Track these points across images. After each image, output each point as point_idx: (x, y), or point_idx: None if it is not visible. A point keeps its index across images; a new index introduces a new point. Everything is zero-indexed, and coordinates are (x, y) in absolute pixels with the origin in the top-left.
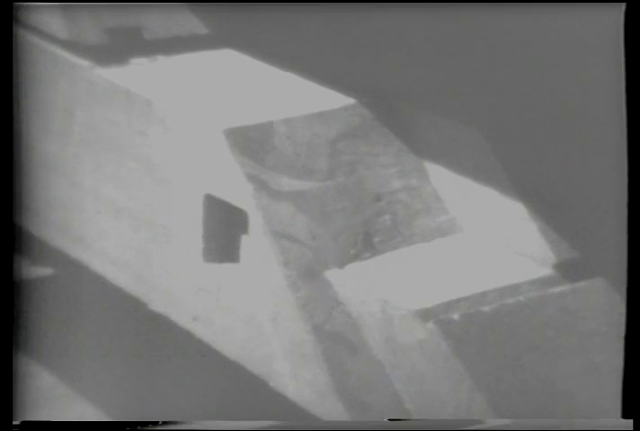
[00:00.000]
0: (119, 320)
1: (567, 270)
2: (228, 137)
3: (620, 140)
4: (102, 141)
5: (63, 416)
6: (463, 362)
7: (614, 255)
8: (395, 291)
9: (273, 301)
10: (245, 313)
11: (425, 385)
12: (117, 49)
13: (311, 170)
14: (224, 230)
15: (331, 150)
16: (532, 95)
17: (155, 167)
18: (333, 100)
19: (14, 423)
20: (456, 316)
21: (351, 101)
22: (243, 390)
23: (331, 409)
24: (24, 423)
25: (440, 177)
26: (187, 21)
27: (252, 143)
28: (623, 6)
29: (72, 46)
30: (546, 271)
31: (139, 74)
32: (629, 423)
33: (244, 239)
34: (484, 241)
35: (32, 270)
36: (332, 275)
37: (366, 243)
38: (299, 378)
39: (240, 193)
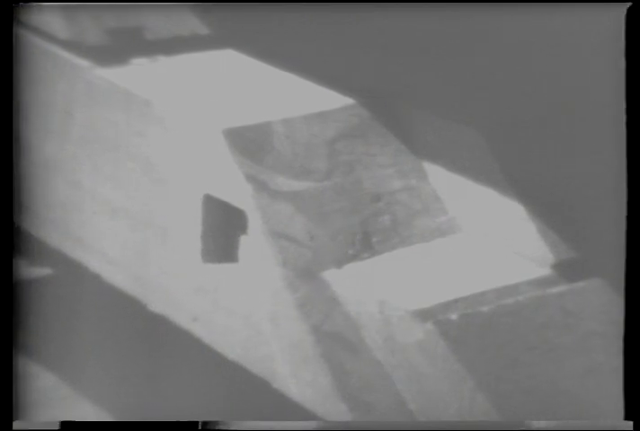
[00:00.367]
0: (118, 320)
1: (566, 270)
2: (227, 137)
3: (619, 141)
4: (100, 141)
5: (63, 416)
6: (462, 362)
7: (612, 255)
8: (394, 291)
9: (272, 301)
10: (244, 313)
11: (426, 385)
12: (117, 50)
13: (309, 170)
14: (222, 230)
15: (329, 150)
16: (532, 95)
17: (153, 167)
18: (332, 100)
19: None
20: (454, 316)
21: (349, 101)
22: (243, 389)
23: (333, 409)
24: (64, 423)
25: (439, 177)
26: (187, 21)
27: (250, 143)
28: (624, 6)
29: (72, 46)
30: (545, 271)
31: (139, 74)
32: (629, 424)
33: (243, 239)
34: (482, 242)
35: (31, 270)
36: (330, 275)
37: (364, 244)
38: (300, 378)
39: (239, 193)
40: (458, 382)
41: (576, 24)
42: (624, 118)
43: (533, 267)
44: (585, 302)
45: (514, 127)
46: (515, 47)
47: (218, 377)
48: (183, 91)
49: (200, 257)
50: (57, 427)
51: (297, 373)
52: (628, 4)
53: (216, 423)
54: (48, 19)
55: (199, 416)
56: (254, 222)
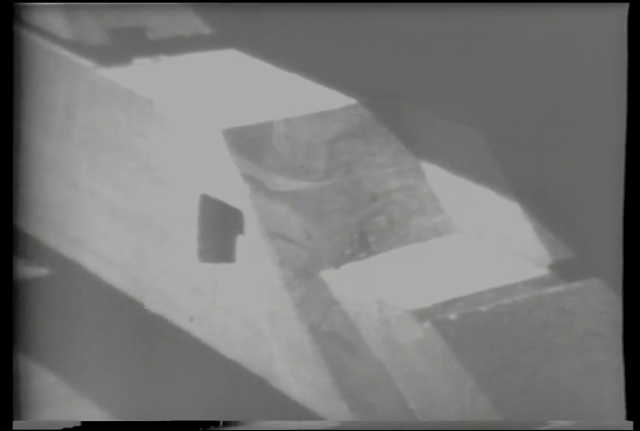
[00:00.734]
0: (115, 320)
1: (564, 270)
2: (227, 137)
3: (619, 141)
4: (100, 141)
5: (62, 416)
6: (461, 362)
7: (610, 255)
8: (392, 291)
9: (269, 301)
10: (242, 313)
11: (426, 385)
12: (119, 50)
13: (308, 170)
14: (220, 230)
15: (329, 150)
16: (532, 95)
17: (153, 167)
18: (333, 100)
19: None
20: (453, 316)
21: (351, 101)
22: (244, 390)
23: (333, 408)
24: (85, 424)
25: (437, 177)
26: (189, 21)
27: (250, 143)
28: (626, 6)
29: (74, 46)
30: (543, 271)
31: (141, 74)
32: (629, 424)
33: (240, 239)
34: (480, 242)
35: (29, 271)
36: (327, 275)
37: (362, 243)
38: (299, 378)
39: (236, 193)
40: (457, 382)
41: (578, 24)
42: (624, 118)
43: (531, 267)
44: (583, 301)
45: (515, 127)
46: (516, 47)
47: (217, 377)
48: (185, 91)
49: (198, 257)
50: (56, 427)
51: (296, 373)
52: (629, 4)
53: (236, 423)
54: (49, 19)
55: (198, 416)
56: (252, 222)
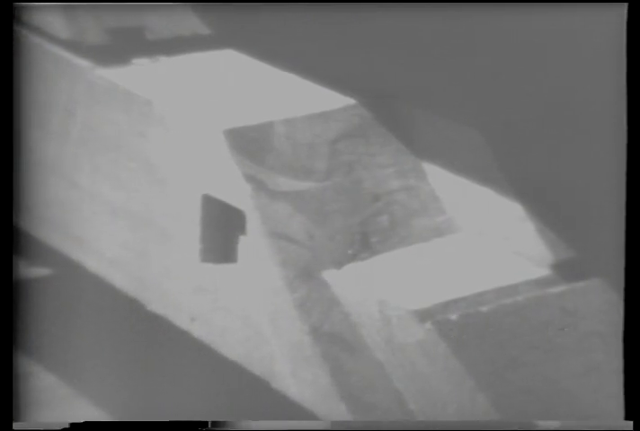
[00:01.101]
0: (117, 320)
1: (565, 270)
2: (228, 138)
3: (619, 141)
4: (100, 141)
5: (62, 416)
6: (462, 362)
7: (612, 255)
8: (393, 291)
9: (271, 301)
10: (243, 313)
11: (426, 385)
12: (118, 50)
13: (309, 170)
14: (221, 230)
15: (330, 150)
16: (532, 95)
17: (153, 167)
18: (333, 100)
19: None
20: (454, 316)
21: (350, 101)
22: (244, 390)
23: (333, 409)
24: (73, 425)
25: (438, 177)
26: (188, 21)
27: (252, 143)
28: (625, 6)
29: (73, 46)
30: (544, 271)
31: (140, 74)
32: (629, 424)
33: (242, 239)
34: (481, 242)
35: (30, 271)
36: (329, 275)
37: (363, 243)
38: (300, 378)
39: (238, 193)
40: (458, 382)
41: (577, 24)
42: (624, 118)
43: (532, 267)
44: (585, 302)
45: (514, 127)
46: (515, 47)
47: (218, 377)
48: (184, 91)
49: (200, 257)
50: (56, 428)
51: (296, 373)
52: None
53: (223, 423)
54: (48, 19)
55: (198, 416)
56: (253, 222)
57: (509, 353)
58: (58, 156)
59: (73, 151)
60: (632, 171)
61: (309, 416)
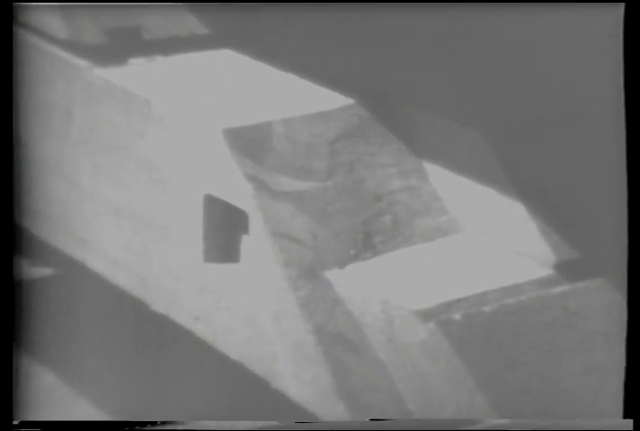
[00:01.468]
0: (119, 320)
1: (568, 270)
2: (227, 137)
3: (620, 140)
4: (100, 141)
5: (63, 416)
6: (464, 362)
7: (614, 255)
8: (396, 291)
9: (274, 301)
10: (246, 314)
11: (426, 385)
12: (116, 50)
13: (311, 170)
14: (224, 230)
15: (330, 150)
16: (531, 95)
17: (154, 167)
18: (332, 100)
19: (14, 422)
20: (457, 316)
21: (349, 101)
22: (244, 390)
23: (333, 409)
24: (23, 423)
25: (440, 177)
26: (186, 21)
27: (251, 143)
28: (622, 6)
29: (71, 46)
30: (547, 271)
31: (138, 74)
32: (629, 423)
33: (245, 239)
34: (484, 242)
35: (32, 271)
36: (332, 275)
37: (366, 243)
38: (301, 378)
39: (240, 193)
40: (461, 382)
41: (575, 24)
42: (624, 117)
43: (535, 266)
44: (588, 301)
45: (515, 127)
46: (515, 47)
47: (220, 377)
48: (183, 91)
49: (202, 257)
50: (56, 427)
51: (298, 373)
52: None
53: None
54: (46, 19)
55: (199, 416)
56: (256, 222)
57: (512, 353)
58: (59, 156)
59: (73, 151)
60: (633, 171)
61: (309, 416)
